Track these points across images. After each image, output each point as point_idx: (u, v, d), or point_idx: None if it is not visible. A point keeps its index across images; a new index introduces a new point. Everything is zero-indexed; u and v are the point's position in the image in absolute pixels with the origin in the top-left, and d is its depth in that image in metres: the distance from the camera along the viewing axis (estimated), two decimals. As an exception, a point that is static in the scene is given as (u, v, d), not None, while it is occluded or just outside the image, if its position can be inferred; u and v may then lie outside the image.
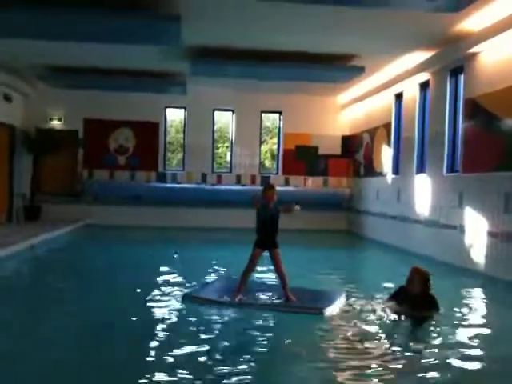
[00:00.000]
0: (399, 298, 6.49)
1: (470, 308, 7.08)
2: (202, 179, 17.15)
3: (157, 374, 4.33)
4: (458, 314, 6.55)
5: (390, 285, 7.64)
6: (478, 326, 6.12)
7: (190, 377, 4.29)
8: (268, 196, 6.99)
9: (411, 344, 5.30)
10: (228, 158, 18.46)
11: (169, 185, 16.93)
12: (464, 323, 6.19)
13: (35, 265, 10.25)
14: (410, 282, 6.41)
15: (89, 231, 15.22)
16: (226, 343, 5.21)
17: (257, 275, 8.34)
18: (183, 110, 17.32)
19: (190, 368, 4.47)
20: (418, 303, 6.23)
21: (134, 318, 6.03)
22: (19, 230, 13.35)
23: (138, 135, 17.06)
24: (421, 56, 11.51)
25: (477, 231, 9.76)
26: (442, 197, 11.13)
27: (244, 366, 4.58)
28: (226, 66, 12.26)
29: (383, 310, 6.40)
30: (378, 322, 6.03)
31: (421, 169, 12.38)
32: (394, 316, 6.19)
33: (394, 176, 13.91)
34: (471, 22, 9.16)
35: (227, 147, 19.51)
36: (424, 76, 12.06)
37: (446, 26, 9.46)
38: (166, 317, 6.16)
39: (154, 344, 5.15)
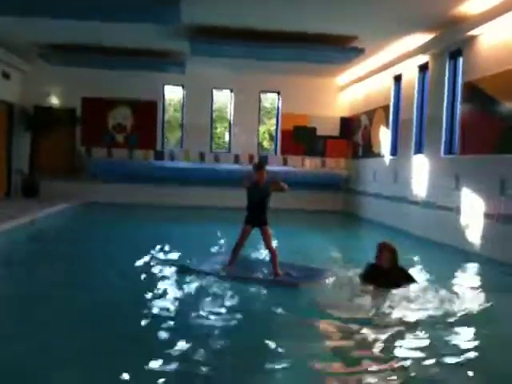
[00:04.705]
0: (371, 275, 6.61)
1: (464, 287, 7.25)
2: (200, 158, 17.22)
3: (152, 342, 4.64)
4: (452, 293, 6.67)
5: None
6: (469, 305, 6.25)
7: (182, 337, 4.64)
8: (258, 176, 7.26)
9: (390, 314, 5.55)
10: (226, 138, 18.50)
11: (167, 163, 16.96)
12: (456, 302, 6.30)
13: (35, 239, 10.34)
14: (380, 258, 6.57)
15: (87, 208, 15.32)
16: (212, 310, 5.56)
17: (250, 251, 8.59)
18: (181, 87, 17.32)
19: (180, 330, 4.95)
20: (391, 277, 6.45)
21: (130, 287, 6.50)
22: (18, 205, 13.43)
23: (137, 114, 17.07)
24: (420, 38, 11.53)
25: (473, 213, 9.89)
26: (439, 178, 11.24)
27: (228, 334, 4.96)
28: (225, 45, 12.23)
29: (361, 292, 6.47)
30: (357, 295, 6.25)
31: (419, 150, 12.46)
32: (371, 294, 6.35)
33: (391, 157, 14.01)
34: (471, 5, 9.19)
35: (225, 127, 19.53)
36: (423, 58, 12.10)
37: (446, 9, 9.50)
38: (161, 286, 6.48)
39: (146, 312, 5.48)
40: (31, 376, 3.86)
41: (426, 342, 4.80)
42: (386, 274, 6.47)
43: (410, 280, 6.61)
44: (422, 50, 11.81)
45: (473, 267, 8.80)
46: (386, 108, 14.42)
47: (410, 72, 12.96)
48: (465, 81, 10.39)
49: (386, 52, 13.06)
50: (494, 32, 9.42)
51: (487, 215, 9.44)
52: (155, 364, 4.07)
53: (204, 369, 4.05)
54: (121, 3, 9.41)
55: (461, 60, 10.70)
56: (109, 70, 15.70)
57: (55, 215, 13.04)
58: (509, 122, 8.93)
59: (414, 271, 7.56)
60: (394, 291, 6.30)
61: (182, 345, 4.51)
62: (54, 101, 16.83)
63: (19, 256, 8.54)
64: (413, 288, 6.50)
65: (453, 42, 10.64)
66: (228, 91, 17.59)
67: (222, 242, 9.93)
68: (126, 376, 3.84)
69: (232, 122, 17.59)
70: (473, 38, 10.01)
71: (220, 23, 11.29)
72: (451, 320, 5.51)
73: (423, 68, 12.37)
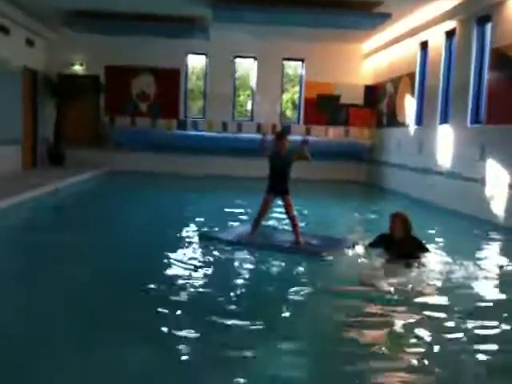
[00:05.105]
0: (384, 245, 6.60)
1: (487, 259, 7.20)
2: (222, 127, 17.16)
3: (169, 305, 4.72)
4: (474, 264, 6.57)
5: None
6: (486, 273, 6.23)
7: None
8: (280, 145, 7.22)
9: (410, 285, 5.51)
10: (249, 107, 18.38)
11: (190, 133, 16.92)
12: (477, 273, 6.22)
13: (59, 207, 10.54)
14: (393, 228, 6.54)
15: (111, 177, 15.49)
16: (233, 277, 5.65)
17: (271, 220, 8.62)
18: (204, 56, 17.19)
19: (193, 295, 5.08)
20: (403, 247, 6.41)
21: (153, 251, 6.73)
22: (44, 174, 13.62)
23: (159, 81, 17.02)
24: (448, 3, 11.22)
25: (498, 184, 9.72)
26: (465, 148, 11.04)
27: (246, 300, 5.01)
28: (248, 11, 12.07)
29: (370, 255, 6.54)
30: (375, 266, 6.22)
31: (444, 119, 12.24)
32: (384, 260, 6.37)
33: (416, 127, 13.79)
34: (502, -32, 8.90)
35: (248, 95, 19.39)
36: (450, 24, 11.78)
37: (476, -28, 9.21)
38: (182, 253, 6.56)
39: (166, 278, 5.60)
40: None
41: (446, 317, 4.73)
42: (399, 244, 6.44)
43: (423, 249, 6.56)
44: (450, 15, 11.51)
45: (497, 238, 8.67)
46: (411, 76, 14.15)
47: (436, 38, 12.65)
48: (493, 47, 10.11)
49: (413, 17, 12.74)
50: (525, -4, 9.13)
51: (512, 186, 9.29)
52: (173, 331, 4.13)
53: (222, 335, 4.09)
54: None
55: (489, 26, 10.40)
56: (131, 37, 15.63)
57: (81, 184, 13.24)
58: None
59: (435, 242, 7.52)
60: (414, 261, 6.25)
61: (200, 311, 4.57)
62: (78, 68, 16.87)
63: (45, 222, 8.76)
64: (432, 259, 6.44)
65: (481, 7, 10.35)
66: (251, 59, 17.42)
67: (244, 211, 9.93)
68: (148, 337, 4.00)
69: (255, 90, 17.46)
70: (502, 2, 9.70)
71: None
72: (472, 292, 5.48)
73: (450, 34, 12.05)
